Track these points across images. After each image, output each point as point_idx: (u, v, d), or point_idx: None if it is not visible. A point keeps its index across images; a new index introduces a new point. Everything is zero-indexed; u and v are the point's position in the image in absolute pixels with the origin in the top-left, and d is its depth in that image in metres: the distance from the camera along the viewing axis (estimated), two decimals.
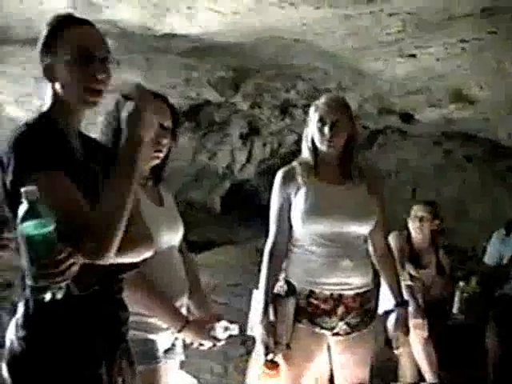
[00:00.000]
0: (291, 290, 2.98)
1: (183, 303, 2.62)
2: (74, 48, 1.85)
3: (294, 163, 3.08)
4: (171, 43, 4.85)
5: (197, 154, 8.83)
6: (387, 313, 3.27)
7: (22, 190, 1.51)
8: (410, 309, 4.16)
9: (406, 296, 4.28)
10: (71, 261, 1.60)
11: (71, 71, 1.85)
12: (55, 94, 1.91)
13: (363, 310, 3.03)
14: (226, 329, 2.61)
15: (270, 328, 2.97)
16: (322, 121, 2.96)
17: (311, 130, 3.02)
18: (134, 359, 2.12)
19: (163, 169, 2.71)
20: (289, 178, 3.03)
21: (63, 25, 1.90)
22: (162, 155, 2.59)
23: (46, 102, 1.93)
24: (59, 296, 1.60)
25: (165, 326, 2.49)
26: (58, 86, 1.89)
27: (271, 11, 3.91)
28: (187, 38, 4.63)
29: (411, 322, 3.46)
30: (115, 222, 1.77)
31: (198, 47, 4.98)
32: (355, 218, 2.95)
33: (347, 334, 3.01)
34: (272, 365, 2.96)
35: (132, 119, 1.85)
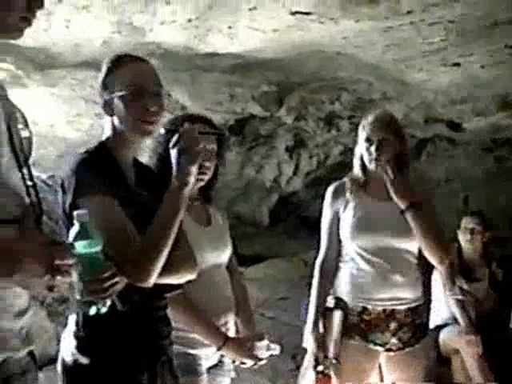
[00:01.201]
0: (339, 304, 2.99)
1: (228, 320, 2.66)
2: (128, 84, 2.01)
3: (345, 179, 3.11)
4: (214, 61, 4.91)
5: (244, 167, 8.87)
6: (438, 328, 3.24)
7: (74, 212, 1.61)
8: (462, 324, 4.11)
9: (456, 311, 4.23)
10: (115, 280, 1.71)
11: (126, 105, 2.00)
12: (113, 126, 2.07)
13: (415, 324, 3.02)
14: (268, 348, 2.62)
15: (320, 341, 2.99)
16: (368, 140, 2.98)
17: (360, 149, 3.04)
18: (176, 372, 2.20)
19: (211, 189, 2.78)
20: (338, 193, 3.07)
21: (119, 63, 2.07)
22: (206, 177, 2.65)
23: (106, 133, 2.10)
24: (103, 311, 1.70)
25: (207, 342, 2.55)
26: (115, 119, 2.04)
27: (311, 27, 3.93)
28: (229, 55, 4.69)
29: (463, 339, 3.43)
30: (157, 253, 1.90)
31: (241, 64, 5.03)
32: (402, 234, 2.94)
33: (399, 349, 3.00)
34: (323, 377, 2.98)
35: (182, 162, 1.97)
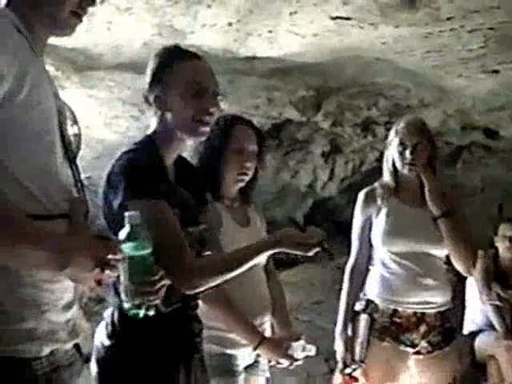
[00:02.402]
0: (368, 307, 3.02)
1: (264, 321, 2.67)
2: (188, 82, 1.96)
3: (376, 184, 3.12)
4: (253, 65, 4.95)
5: (279, 172, 8.89)
6: (473, 334, 3.24)
7: (126, 214, 1.61)
8: (500, 330, 4.10)
9: (493, 316, 4.21)
10: (163, 282, 1.73)
11: (185, 104, 1.96)
12: (162, 121, 2.01)
13: (444, 328, 3.03)
14: (304, 349, 2.61)
15: (348, 343, 3.02)
16: (402, 144, 2.99)
17: (391, 153, 3.06)
18: (206, 369, 2.22)
19: (251, 190, 2.78)
20: (370, 199, 3.09)
21: (174, 58, 2.01)
22: (247, 178, 2.67)
23: (152, 128, 2.04)
24: (151, 313, 1.71)
25: (244, 341, 2.56)
26: (168, 115, 1.99)
27: (351, 32, 3.95)
28: (268, 59, 4.72)
29: (501, 344, 3.42)
30: (220, 277, 1.97)
31: (280, 68, 5.06)
32: (434, 240, 2.97)
33: (428, 352, 3.01)
34: (350, 379, 2.99)
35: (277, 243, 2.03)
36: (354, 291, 3.12)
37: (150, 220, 1.66)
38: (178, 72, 1.98)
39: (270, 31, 4.04)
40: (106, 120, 6.24)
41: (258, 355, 2.68)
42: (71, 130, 1.67)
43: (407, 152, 2.98)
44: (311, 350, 2.64)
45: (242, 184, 2.69)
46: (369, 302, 3.05)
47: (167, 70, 1.99)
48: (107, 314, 2.04)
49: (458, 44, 4.08)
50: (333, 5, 3.56)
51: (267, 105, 6.50)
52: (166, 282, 1.76)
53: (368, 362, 3.01)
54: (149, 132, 2.06)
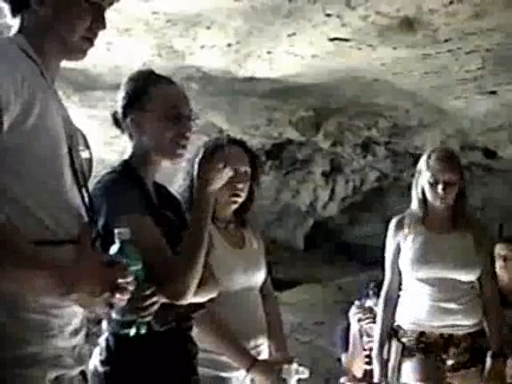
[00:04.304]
0: (398, 333, 3.10)
1: (259, 343, 2.65)
2: (166, 106, 2.00)
3: (405, 213, 3.19)
4: (253, 86, 4.98)
5: (280, 192, 8.91)
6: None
7: (116, 230, 1.61)
8: None
9: None
10: (155, 298, 1.74)
11: (164, 127, 2.00)
12: (138, 144, 2.04)
13: (473, 348, 3.07)
14: (297, 372, 2.59)
15: (383, 365, 3.15)
16: (434, 179, 3.03)
17: (421, 183, 3.10)
18: None
19: (245, 212, 2.77)
20: (398, 227, 3.19)
21: (150, 82, 2.05)
22: (240, 199, 2.66)
23: (129, 152, 2.07)
24: (143, 331, 1.71)
25: (236, 364, 2.54)
26: (144, 138, 2.02)
27: (349, 53, 3.98)
28: (268, 80, 4.75)
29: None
30: (194, 268, 1.91)
31: (279, 89, 5.08)
32: (460, 266, 3.05)
33: (455, 370, 3.06)
34: None
35: (197, 195, 2.02)
36: (387, 317, 3.21)
37: (137, 235, 1.66)
38: (156, 96, 2.02)
39: (269, 52, 4.07)
40: (106, 139, 6.27)
41: (253, 379, 2.65)
42: (83, 154, 1.68)
43: (439, 187, 3.04)
44: (304, 373, 2.62)
45: (235, 206, 2.67)
46: (398, 327, 3.15)
47: (144, 94, 2.02)
48: (101, 339, 2.02)
49: (455, 65, 4.11)
50: (331, 26, 3.58)
51: (267, 125, 6.53)
52: (158, 298, 1.77)
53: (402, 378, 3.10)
54: (125, 157, 2.08)
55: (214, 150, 2.57)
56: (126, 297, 1.51)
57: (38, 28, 1.56)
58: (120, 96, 2.08)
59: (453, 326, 3.05)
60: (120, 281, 1.46)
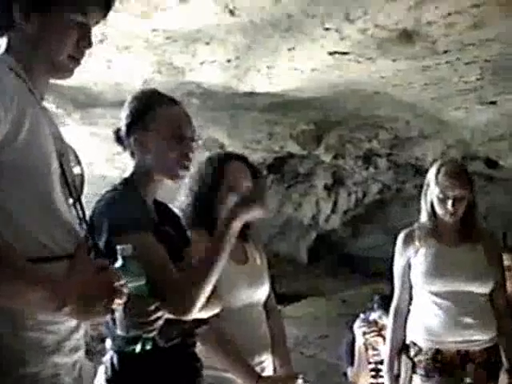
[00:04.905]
0: (410, 349, 3.06)
1: (263, 359, 2.63)
2: (171, 127, 2.00)
3: (414, 226, 3.15)
4: (253, 100, 5.00)
5: (282, 206, 8.93)
6: None
7: (118, 247, 1.62)
8: None
9: None
10: (159, 313, 1.72)
11: (168, 148, 2.00)
12: (141, 163, 2.04)
13: (490, 363, 3.02)
14: None
15: (394, 380, 3.09)
16: (444, 195, 2.98)
17: (430, 197, 3.06)
18: None
19: (248, 227, 2.75)
20: (408, 241, 3.12)
21: (155, 102, 2.05)
22: None
23: (130, 170, 2.06)
24: (148, 347, 1.69)
25: (240, 381, 2.52)
26: (147, 157, 2.02)
27: (349, 66, 3.99)
28: (268, 95, 4.77)
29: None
30: (204, 286, 1.90)
31: (279, 103, 5.10)
32: (473, 278, 2.99)
33: None
34: None
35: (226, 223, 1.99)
36: (397, 332, 3.15)
37: (140, 252, 1.66)
38: (160, 117, 2.02)
39: (269, 67, 4.09)
40: (107, 156, 6.29)
41: None
42: (75, 170, 1.68)
43: (449, 203, 2.98)
44: None
45: None
46: (410, 343, 3.10)
47: (148, 113, 2.02)
48: (106, 358, 2.01)
49: (455, 76, 4.12)
50: (330, 40, 3.60)
51: (268, 139, 6.55)
52: (163, 313, 1.76)
53: None
54: (126, 175, 2.08)
55: (219, 166, 2.58)
56: (123, 300, 1.50)
57: (25, 47, 1.56)
58: (124, 114, 2.08)
59: (469, 341, 2.98)
60: (116, 284, 1.46)
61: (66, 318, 1.46)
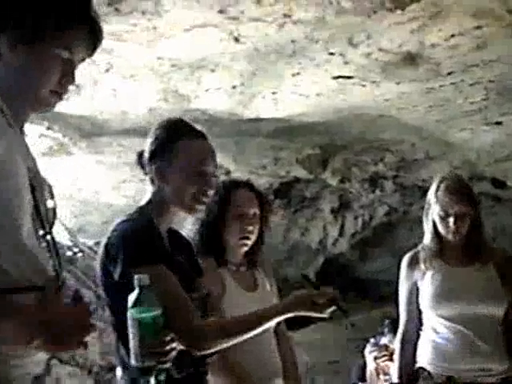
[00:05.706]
0: (420, 376, 2.95)
1: None
2: (193, 161, 1.99)
3: (418, 248, 3.04)
4: (259, 126, 5.01)
5: (289, 231, 8.90)
6: None
7: (135, 277, 1.63)
8: None
9: None
10: (174, 344, 1.73)
11: (187, 182, 1.98)
12: (159, 193, 2.03)
13: None
14: None
15: None
16: (444, 212, 2.88)
17: (432, 215, 2.94)
18: None
19: (257, 254, 2.74)
20: (413, 264, 3.00)
21: (181, 134, 2.03)
22: (250, 242, 2.64)
23: (147, 198, 2.06)
24: (162, 378, 1.70)
25: None
26: (167, 188, 2.01)
27: (353, 90, 4.01)
28: (273, 120, 4.79)
29: None
30: (233, 339, 1.95)
31: (285, 128, 5.11)
32: (485, 300, 2.84)
33: None
34: None
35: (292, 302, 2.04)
36: (406, 358, 3.02)
37: (157, 285, 1.67)
38: (184, 150, 2.00)
39: (274, 92, 4.12)
40: (113, 184, 6.30)
41: None
42: (48, 204, 1.66)
43: (450, 221, 2.87)
44: None
45: (245, 248, 2.65)
46: (420, 369, 2.96)
47: (173, 145, 2.01)
48: None
49: (459, 97, 4.13)
50: (334, 64, 3.62)
51: (274, 164, 6.56)
52: (177, 344, 1.75)
53: None
54: (142, 203, 2.07)
55: (226, 194, 2.58)
56: (95, 334, 1.49)
57: (8, 77, 1.55)
58: (148, 141, 2.06)
59: (483, 369, 2.81)
60: (87, 320, 1.44)
61: (33, 351, 1.44)
